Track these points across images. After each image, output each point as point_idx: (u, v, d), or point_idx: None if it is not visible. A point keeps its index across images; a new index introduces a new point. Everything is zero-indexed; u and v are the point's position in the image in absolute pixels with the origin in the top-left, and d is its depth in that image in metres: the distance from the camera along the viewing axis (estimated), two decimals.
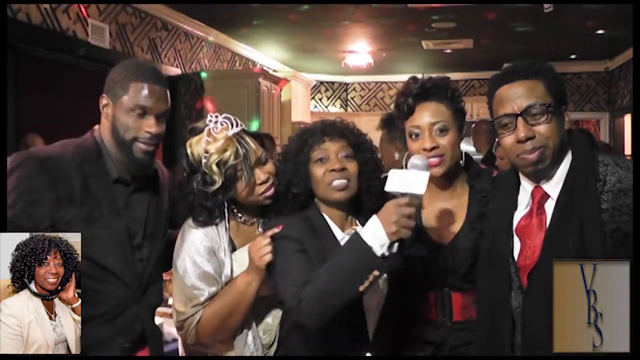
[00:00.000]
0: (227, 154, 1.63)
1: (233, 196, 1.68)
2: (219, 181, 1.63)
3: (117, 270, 1.64)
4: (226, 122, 1.68)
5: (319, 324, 1.47)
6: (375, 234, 1.40)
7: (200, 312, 1.63)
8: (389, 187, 1.42)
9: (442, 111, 1.69)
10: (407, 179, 1.41)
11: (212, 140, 1.65)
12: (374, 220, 1.42)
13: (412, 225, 1.40)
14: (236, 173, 1.64)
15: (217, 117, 1.68)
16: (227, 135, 1.65)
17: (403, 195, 1.40)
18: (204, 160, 1.64)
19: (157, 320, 2.05)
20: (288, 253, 1.58)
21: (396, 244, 1.41)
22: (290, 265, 1.56)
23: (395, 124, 1.84)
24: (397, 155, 2.59)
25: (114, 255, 1.64)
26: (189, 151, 1.68)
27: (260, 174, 1.67)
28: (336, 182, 1.63)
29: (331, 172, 1.63)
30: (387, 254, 1.40)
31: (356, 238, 1.43)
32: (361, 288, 1.40)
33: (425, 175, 1.41)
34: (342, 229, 1.70)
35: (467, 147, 1.82)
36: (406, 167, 1.51)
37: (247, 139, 1.68)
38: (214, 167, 1.63)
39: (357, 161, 1.68)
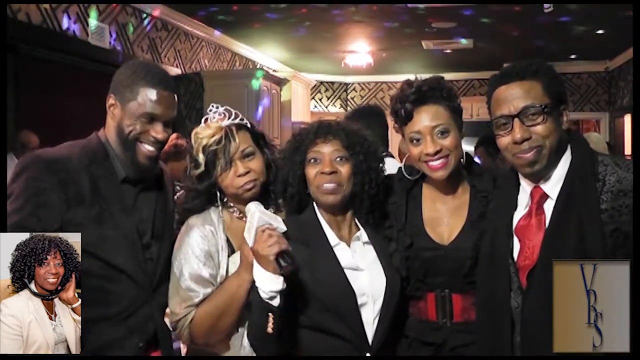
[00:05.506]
0: (212, 139, 1.69)
1: (214, 182, 1.71)
2: (202, 165, 1.69)
3: (128, 269, 1.64)
4: (225, 113, 1.74)
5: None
6: (259, 278, 1.49)
7: (193, 312, 1.64)
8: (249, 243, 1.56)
9: (441, 113, 1.67)
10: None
11: (205, 127, 1.72)
12: (255, 271, 1.52)
13: (273, 240, 1.48)
14: (215, 159, 1.69)
15: (217, 107, 1.75)
16: (220, 125, 1.71)
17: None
18: (195, 145, 1.71)
19: None
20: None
21: (281, 261, 1.46)
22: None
23: None
24: None
25: (125, 255, 1.64)
26: (192, 141, 1.74)
27: (240, 166, 1.69)
28: (325, 186, 1.63)
29: (321, 174, 1.63)
30: (283, 268, 1.46)
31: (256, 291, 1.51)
32: (269, 330, 1.48)
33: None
34: (341, 233, 1.68)
35: (467, 147, 1.79)
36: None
37: (235, 131, 1.71)
38: (200, 151, 1.69)
39: (351, 163, 1.66)
